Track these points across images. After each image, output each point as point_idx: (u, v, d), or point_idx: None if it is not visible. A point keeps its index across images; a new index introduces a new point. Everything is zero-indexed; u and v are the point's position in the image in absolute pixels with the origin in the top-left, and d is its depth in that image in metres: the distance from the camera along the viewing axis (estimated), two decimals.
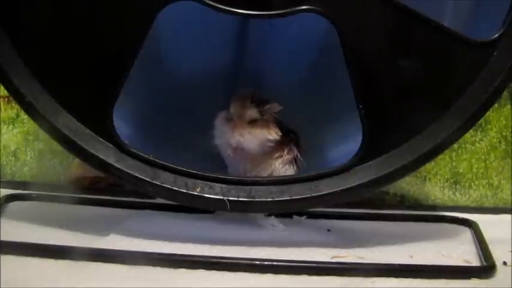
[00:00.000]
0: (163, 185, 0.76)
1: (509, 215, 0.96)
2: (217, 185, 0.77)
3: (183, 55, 0.91)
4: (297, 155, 0.84)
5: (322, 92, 0.91)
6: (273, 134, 0.82)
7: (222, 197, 0.76)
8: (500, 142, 0.99)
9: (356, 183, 0.76)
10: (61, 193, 0.93)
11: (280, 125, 0.83)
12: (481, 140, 0.99)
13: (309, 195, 0.77)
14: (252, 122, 0.81)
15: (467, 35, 0.74)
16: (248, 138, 0.81)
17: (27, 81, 0.74)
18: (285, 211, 0.85)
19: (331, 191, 0.76)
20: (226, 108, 0.83)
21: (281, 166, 0.83)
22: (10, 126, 1.01)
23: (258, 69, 0.94)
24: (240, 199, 0.77)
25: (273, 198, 0.77)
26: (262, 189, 0.77)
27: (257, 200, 0.77)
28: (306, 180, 0.77)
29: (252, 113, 0.81)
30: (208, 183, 0.77)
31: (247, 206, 0.77)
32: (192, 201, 0.78)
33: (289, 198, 0.77)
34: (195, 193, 0.77)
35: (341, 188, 0.76)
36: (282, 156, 0.83)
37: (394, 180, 0.78)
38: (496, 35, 0.74)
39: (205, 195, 0.77)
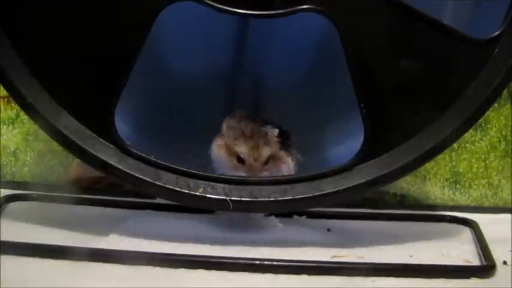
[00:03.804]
0: (165, 185, 0.76)
1: (509, 215, 0.96)
2: (220, 185, 0.77)
3: (183, 55, 0.91)
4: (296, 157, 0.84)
5: (323, 92, 0.91)
6: (289, 163, 0.82)
7: (224, 197, 0.76)
8: (500, 142, 0.99)
9: (358, 182, 0.76)
10: (61, 193, 0.93)
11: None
12: (481, 139, 0.99)
13: (311, 195, 0.77)
14: (267, 161, 0.81)
15: (467, 33, 0.74)
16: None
17: (27, 82, 0.74)
18: (287, 211, 0.85)
19: (333, 190, 0.76)
20: (225, 116, 0.83)
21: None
22: (10, 127, 1.01)
23: (258, 69, 0.94)
24: (243, 199, 0.77)
25: (275, 198, 0.77)
26: (265, 189, 0.77)
27: (259, 199, 0.77)
28: (308, 179, 0.77)
29: (267, 151, 0.81)
30: (211, 183, 0.77)
31: (250, 206, 0.77)
32: (195, 202, 0.77)
33: (291, 197, 0.77)
34: (198, 193, 0.77)
35: (343, 187, 0.76)
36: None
37: (395, 179, 0.78)
38: (496, 33, 0.74)
39: (208, 195, 0.77)
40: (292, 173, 0.82)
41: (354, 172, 0.77)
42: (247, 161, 0.81)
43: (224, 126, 0.83)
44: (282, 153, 0.83)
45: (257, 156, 0.81)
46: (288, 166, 0.82)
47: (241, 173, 0.81)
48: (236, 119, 0.83)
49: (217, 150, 0.83)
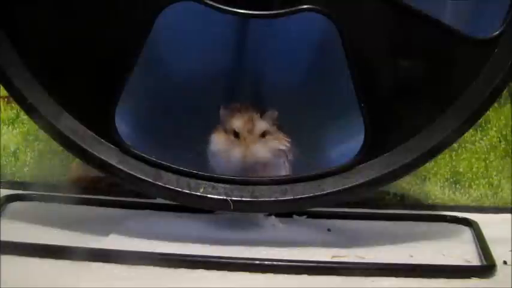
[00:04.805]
0: (166, 185, 0.76)
1: (509, 215, 0.97)
2: (221, 185, 0.77)
3: (183, 55, 0.91)
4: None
5: (323, 91, 0.91)
6: (284, 143, 0.81)
7: (225, 197, 0.76)
8: (500, 141, 1.00)
9: (359, 182, 0.76)
10: (61, 193, 0.93)
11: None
12: (481, 139, 1.00)
13: (312, 195, 0.77)
14: (263, 135, 0.80)
15: (467, 33, 0.74)
16: (262, 151, 0.80)
17: (27, 82, 0.74)
18: (288, 210, 0.85)
19: (334, 190, 0.77)
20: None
21: (287, 165, 0.83)
22: (10, 127, 1.01)
23: (258, 69, 0.94)
24: (244, 199, 0.77)
25: (276, 197, 0.77)
26: (266, 189, 0.77)
27: (260, 199, 0.77)
28: (309, 179, 0.77)
29: (262, 125, 0.80)
30: (212, 183, 0.77)
31: (251, 205, 0.77)
32: (195, 202, 0.77)
33: (292, 197, 0.77)
34: (198, 194, 0.77)
35: (344, 187, 0.77)
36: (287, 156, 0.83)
37: (396, 178, 0.78)
38: (496, 33, 0.74)
39: (209, 195, 0.77)
40: (290, 158, 0.82)
41: (354, 172, 0.77)
42: (241, 133, 0.80)
43: (221, 110, 0.82)
44: (281, 136, 0.82)
45: (251, 128, 0.80)
46: (285, 150, 0.81)
47: (236, 149, 0.79)
48: (232, 104, 0.83)
49: (216, 137, 0.81)
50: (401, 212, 0.95)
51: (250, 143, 0.79)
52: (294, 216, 0.89)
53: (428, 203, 1.01)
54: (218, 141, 0.82)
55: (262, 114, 0.81)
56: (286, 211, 0.85)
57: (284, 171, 0.82)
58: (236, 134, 0.80)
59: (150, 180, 0.76)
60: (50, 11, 0.73)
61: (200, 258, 0.74)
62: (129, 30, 0.72)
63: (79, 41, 0.73)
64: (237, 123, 0.80)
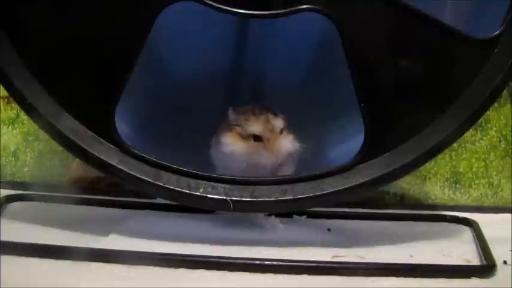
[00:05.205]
0: (166, 185, 0.76)
1: (509, 214, 0.97)
2: (221, 185, 0.77)
3: (183, 55, 0.91)
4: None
5: (323, 91, 0.91)
6: (296, 144, 0.81)
7: (225, 197, 0.76)
8: (500, 141, 1.00)
9: (359, 182, 0.76)
10: (61, 193, 0.93)
11: None
12: (481, 139, 0.99)
13: (312, 195, 0.77)
14: (281, 133, 0.80)
15: (467, 33, 0.74)
16: (287, 145, 0.80)
17: (27, 82, 0.74)
18: (288, 211, 0.85)
19: (334, 189, 0.77)
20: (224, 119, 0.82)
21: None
22: (10, 127, 1.01)
23: (258, 69, 0.94)
24: (243, 199, 0.77)
25: (276, 197, 0.77)
26: (265, 189, 0.77)
27: (260, 199, 0.77)
28: (309, 179, 0.77)
29: (280, 122, 0.80)
30: (212, 183, 0.77)
31: (251, 205, 0.77)
32: (195, 202, 0.77)
33: (292, 197, 0.77)
34: (198, 194, 0.77)
35: (344, 187, 0.77)
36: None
37: (396, 178, 0.78)
38: (496, 33, 0.74)
39: (209, 195, 0.77)
40: (295, 150, 0.82)
41: (354, 172, 0.77)
42: (263, 135, 0.79)
43: (231, 114, 0.82)
44: (291, 135, 0.81)
45: (271, 128, 0.80)
46: (296, 147, 0.81)
47: (263, 154, 0.79)
48: (240, 107, 0.83)
49: (232, 141, 0.81)
50: (401, 212, 0.95)
51: (274, 141, 0.79)
52: (294, 216, 0.89)
53: (428, 203, 1.01)
54: (237, 146, 0.81)
55: (276, 115, 0.81)
56: (286, 211, 0.85)
57: (293, 169, 0.82)
58: (257, 138, 0.80)
59: (150, 180, 0.76)
60: (50, 11, 0.73)
61: (200, 258, 0.74)
62: (129, 30, 0.72)
63: (79, 41, 0.73)
64: (256, 127, 0.80)
